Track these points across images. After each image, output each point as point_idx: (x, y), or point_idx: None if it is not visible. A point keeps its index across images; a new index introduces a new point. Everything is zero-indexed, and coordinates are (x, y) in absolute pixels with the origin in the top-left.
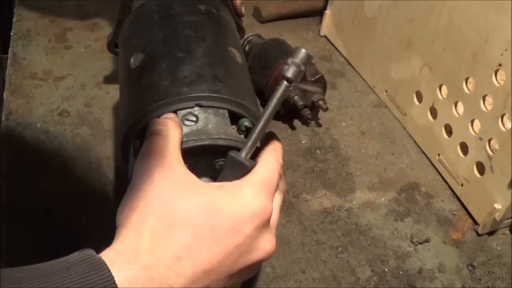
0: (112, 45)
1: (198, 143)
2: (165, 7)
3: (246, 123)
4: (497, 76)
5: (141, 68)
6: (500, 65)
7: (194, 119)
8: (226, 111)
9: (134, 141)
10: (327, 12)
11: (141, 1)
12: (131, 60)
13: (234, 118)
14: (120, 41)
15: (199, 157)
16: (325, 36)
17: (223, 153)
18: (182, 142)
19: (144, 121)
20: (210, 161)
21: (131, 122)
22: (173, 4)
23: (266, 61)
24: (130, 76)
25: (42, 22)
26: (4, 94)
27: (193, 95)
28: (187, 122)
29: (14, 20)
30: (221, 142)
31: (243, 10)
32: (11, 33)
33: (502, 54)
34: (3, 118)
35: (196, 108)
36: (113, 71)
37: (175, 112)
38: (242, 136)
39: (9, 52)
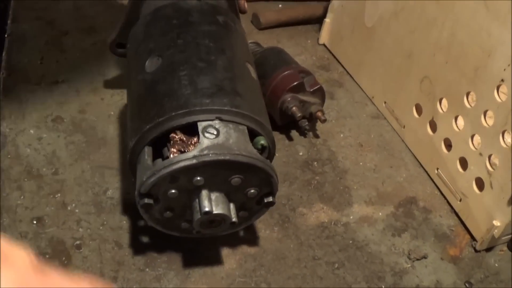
0: (115, 45)
1: (220, 157)
2: (184, 14)
3: (262, 141)
4: (499, 92)
5: (158, 73)
6: (502, 80)
7: (215, 132)
8: (245, 128)
9: (148, 147)
10: (327, 20)
11: (155, 2)
12: (147, 64)
13: (250, 135)
14: (131, 42)
15: (217, 171)
16: (324, 45)
17: (241, 169)
18: (201, 155)
19: (162, 128)
20: (226, 176)
21: (145, 128)
22: (192, 11)
23: (264, 70)
24: (144, 80)
25: (38, 25)
26: None
27: (215, 107)
28: (207, 135)
29: (9, 21)
30: (241, 159)
31: (245, 6)
32: (5, 35)
33: (504, 70)
34: None
35: (216, 121)
36: (110, 76)
37: (195, 123)
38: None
39: (3, 54)
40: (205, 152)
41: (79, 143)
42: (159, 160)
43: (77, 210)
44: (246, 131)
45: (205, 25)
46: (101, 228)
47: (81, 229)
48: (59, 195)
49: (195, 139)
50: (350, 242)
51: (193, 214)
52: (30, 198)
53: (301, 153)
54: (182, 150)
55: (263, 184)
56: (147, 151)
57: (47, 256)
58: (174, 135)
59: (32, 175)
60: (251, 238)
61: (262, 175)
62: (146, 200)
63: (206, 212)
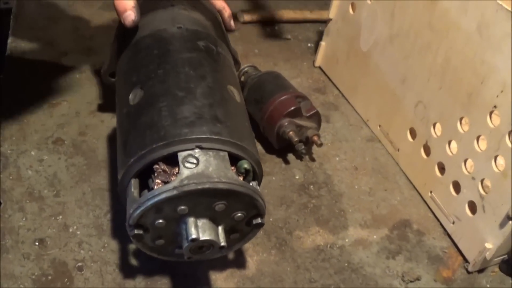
0: (107, 75)
1: (199, 187)
2: (164, 43)
3: (245, 165)
4: (492, 118)
5: (140, 106)
6: (495, 106)
7: (195, 161)
8: (226, 154)
9: (134, 180)
10: (323, 43)
11: (138, 33)
12: (130, 96)
13: (233, 160)
14: (118, 74)
15: (199, 199)
16: (320, 67)
17: (223, 196)
18: (183, 185)
19: (145, 160)
20: (210, 203)
21: (130, 161)
22: (172, 39)
23: (261, 95)
24: (129, 113)
25: (38, 45)
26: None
27: (194, 137)
28: (188, 165)
29: (9, 41)
30: (221, 186)
31: (232, 24)
32: (5, 54)
33: (497, 96)
34: None
35: (196, 150)
36: (107, 99)
37: (175, 153)
38: (241, 178)
39: (3, 74)
40: (185, 182)
41: (80, 165)
42: (146, 191)
43: (78, 232)
44: (227, 157)
45: (185, 53)
46: (102, 250)
47: (83, 251)
48: (60, 217)
49: (177, 169)
50: (346, 264)
51: (182, 242)
52: (32, 219)
53: (297, 177)
54: (166, 181)
55: (249, 207)
56: (133, 184)
57: (50, 277)
58: (157, 166)
59: (34, 197)
60: (249, 261)
61: (245, 199)
62: (136, 231)
63: (193, 239)
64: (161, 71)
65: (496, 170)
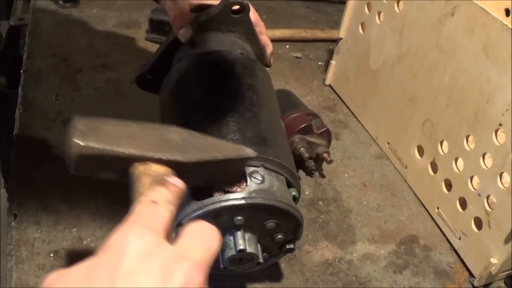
0: (141, 78)
1: (266, 202)
2: (230, 65)
3: (294, 193)
4: (497, 135)
5: (206, 115)
6: (500, 124)
7: (261, 178)
8: (284, 178)
9: None
10: (333, 62)
11: (196, 47)
12: (192, 104)
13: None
14: (170, 81)
15: (257, 214)
16: (330, 86)
17: (279, 215)
18: (249, 197)
19: None
20: (263, 220)
21: None
22: (236, 63)
23: None
24: (191, 120)
25: (53, 61)
26: (14, 133)
27: (261, 156)
28: (254, 180)
29: (24, 57)
30: (283, 206)
31: (271, 61)
32: (21, 71)
33: (503, 114)
34: (13, 158)
35: (261, 168)
36: (124, 114)
37: None
38: None
39: (19, 90)
40: (253, 195)
41: (94, 180)
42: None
43: (92, 245)
44: (285, 181)
45: (248, 78)
46: None
47: None
48: (75, 229)
49: (239, 182)
50: (353, 278)
51: (225, 251)
52: (47, 232)
53: (307, 193)
54: (227, 190)
55: (290, 231)
56: None
57: None
58: None
59: (49, 210)
60: (259, 275)
61: (293, 223)
62: None
63: (241, 250)
64: (227, 89)
65: (501, 187)
